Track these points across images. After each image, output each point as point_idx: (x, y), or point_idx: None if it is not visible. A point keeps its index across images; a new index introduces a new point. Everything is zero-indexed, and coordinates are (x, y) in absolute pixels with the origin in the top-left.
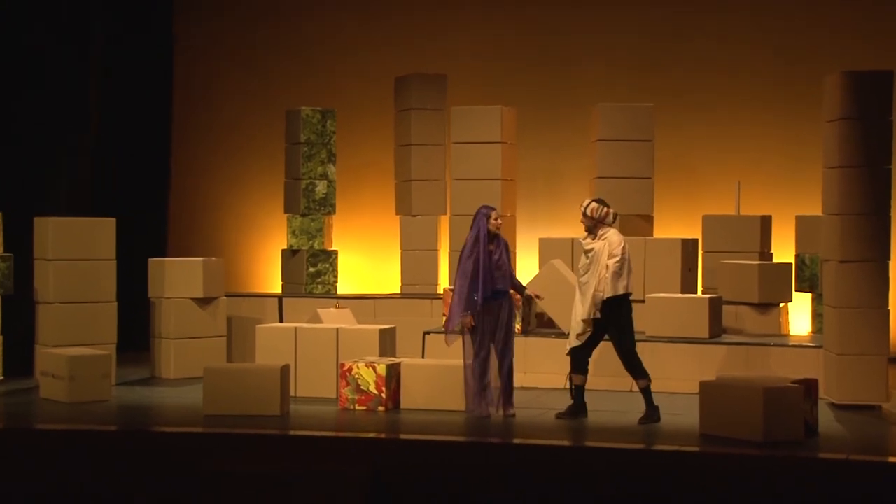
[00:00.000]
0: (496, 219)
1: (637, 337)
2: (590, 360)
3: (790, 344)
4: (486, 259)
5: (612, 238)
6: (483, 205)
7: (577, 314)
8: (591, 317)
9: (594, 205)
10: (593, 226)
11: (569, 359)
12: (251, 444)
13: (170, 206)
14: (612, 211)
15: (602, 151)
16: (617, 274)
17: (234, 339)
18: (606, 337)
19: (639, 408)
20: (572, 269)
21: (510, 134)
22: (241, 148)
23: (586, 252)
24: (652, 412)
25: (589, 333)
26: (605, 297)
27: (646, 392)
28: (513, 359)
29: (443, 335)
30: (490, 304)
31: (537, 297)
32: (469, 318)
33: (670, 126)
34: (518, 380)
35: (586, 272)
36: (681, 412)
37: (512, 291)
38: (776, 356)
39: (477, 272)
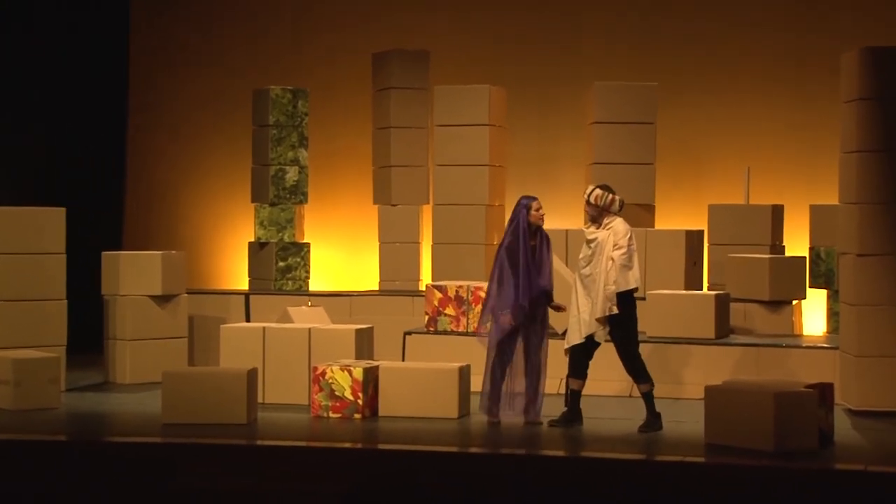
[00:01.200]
0: (538, 209)
1: (639, 337)
2: (589, 362)
3: (804, 345)
4: (528, 256)
5: (617, 227)
6: (523, 195)
7: (582, 311)
8: (608, 314)
9: (598, 192)
10: (598, 215)
11: (565, 361)
12: (215, 455)
13: (126, 195)
14: (618, 198)
15: (599, 135)
16: (626, 267)
17: (196, 340)
18: (608, 339)
19: (639, 415)
20: (567, 264)
21: (499, 116)
22: (205, 132)
23: (589, 242)
24: (653, 420)
25: (607, 331)
26: (617, 291)
27: (648, 398)
28: (545, 362)
29: (425, 335)
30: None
31: (560, 308)
32: (509, 318)
33: (674, 107)
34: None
35: (588, 264)
36: (684, 419)
37: None
38: (788, 358)
39: (517, 272)
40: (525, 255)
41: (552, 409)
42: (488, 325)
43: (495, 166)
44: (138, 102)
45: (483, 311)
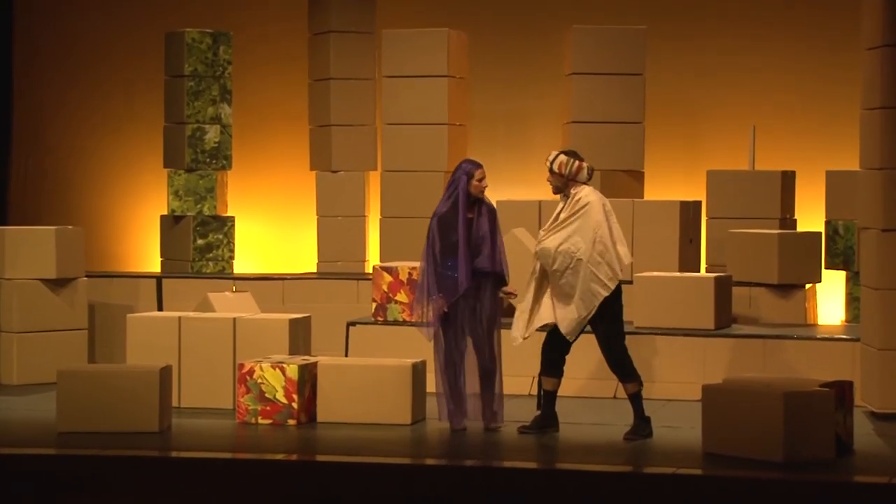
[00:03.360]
0: (481, 179)
1: (625, 328)
2: (566, 358)
3: (818, 336)
4: (467, 230)
5: (585, 198)
6: (465, 159)
7: (557, 306)
8: (592, 313)
9: (563, 158)
10: (563, 185)
11: (536, 357)
12: (121, 469)
13: (11, 160)
14: (586, 165)
15: (577, 88)
16: (603, 254)
17: (97, 332)
18: (588, 328)
19: (625, 419)
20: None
21: (460, 66)
22: (106, 83)
23: (560, 222)
24: (642, 425)
25: (578, 331)
26: (617, 281)
27: (635, 399)
28: (496, 357)
29: (372, 326)
30: (467, 289)
31: (508, 294)
32: (441, 301)
33: (666, 56)
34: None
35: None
36: (678, 424)
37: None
38: (800, 352)
39: (455, 246)
40: (464, 228)
41: (523, 412)
42: (427, 311)
43: (455, 125)
44: (26, 49)
45: (417, 296)
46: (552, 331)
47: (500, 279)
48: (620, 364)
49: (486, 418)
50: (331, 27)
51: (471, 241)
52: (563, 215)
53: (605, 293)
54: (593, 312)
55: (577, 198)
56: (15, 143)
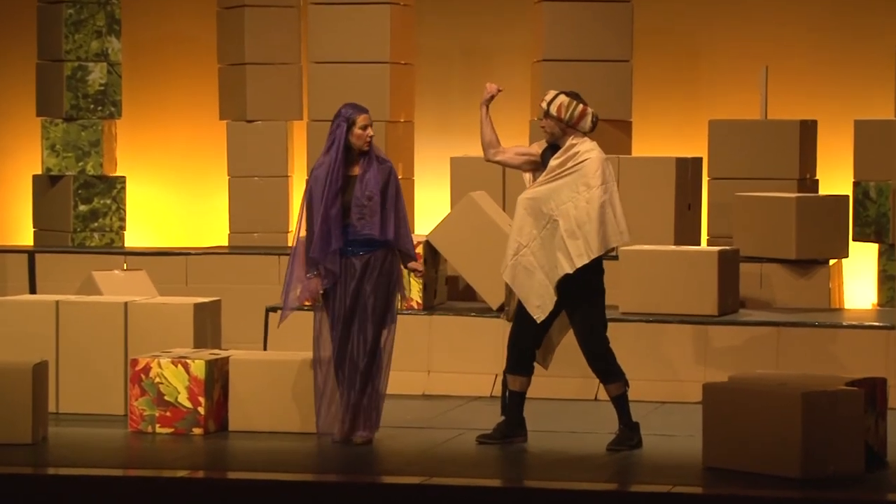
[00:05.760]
0: (364, 127)
1: (607, 315)
2: (537, 352)
3: (844, 323)
4: (336, 189)
5: (585, 153)
6: (348, 103)
7: (530, 275)
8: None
9: (564, 99)
10: (561, 133)
11: (499, 350)
12: None
13: None
14: (591, 111)
15: (550, 18)
16: (583, 225)
17: None
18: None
19: (608, 426)
20: (504, 207)
21: None
22: None
23: (553, 172)
24: (629, 433)
25: (550, 308)
26: (587, 260)
27: (620, 402)
28: (383, 351)
29: (296, 312)
30: (345, 264)
31: (416, 271)
32: (315, 282)
33: None
34: (418, 384)
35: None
36: (674, 432)
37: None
38: (823, 342)
39: (319, 211)
40: (334, 187)
41: (483, 418)
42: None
43: (399, 64)
44: None
45: (289, 273)
46: (520, 317)
47: (403, 254)
48: (601, 360)
49: (353, 426)
50: None
51: (350, 205)
52: (553, 164)
53: (569, 269)
54: (555, 286)
55: (573, 150)
56: None
